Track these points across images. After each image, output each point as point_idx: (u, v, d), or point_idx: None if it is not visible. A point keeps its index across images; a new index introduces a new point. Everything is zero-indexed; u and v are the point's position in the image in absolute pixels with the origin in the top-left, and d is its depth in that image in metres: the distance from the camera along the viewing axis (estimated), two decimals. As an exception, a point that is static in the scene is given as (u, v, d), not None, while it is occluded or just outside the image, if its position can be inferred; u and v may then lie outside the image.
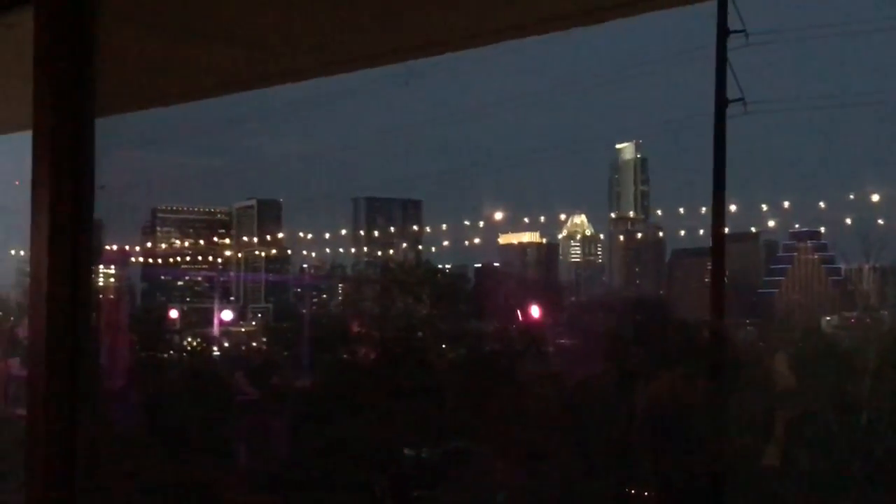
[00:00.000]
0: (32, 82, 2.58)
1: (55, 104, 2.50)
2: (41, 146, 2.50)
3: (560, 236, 49.08)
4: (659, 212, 54.51)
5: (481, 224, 35.59)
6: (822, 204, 31.69)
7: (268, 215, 45.62)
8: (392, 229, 39.09)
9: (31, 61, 2.65)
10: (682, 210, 38.92)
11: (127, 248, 34.35)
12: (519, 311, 28.04)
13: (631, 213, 56.23)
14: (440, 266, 35.21)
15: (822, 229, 45.30)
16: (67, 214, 2.53)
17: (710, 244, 18.05)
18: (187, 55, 3.41)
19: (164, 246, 42.59)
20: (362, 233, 38.57)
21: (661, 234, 49.44)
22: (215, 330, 32.02)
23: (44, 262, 2.46)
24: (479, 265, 37.78)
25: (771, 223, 38.60)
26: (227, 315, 34.89)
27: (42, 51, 2.53)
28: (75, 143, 2.53)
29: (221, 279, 40.82)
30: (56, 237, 2.49)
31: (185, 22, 3.13)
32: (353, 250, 37.29)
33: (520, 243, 44.63)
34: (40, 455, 2.38)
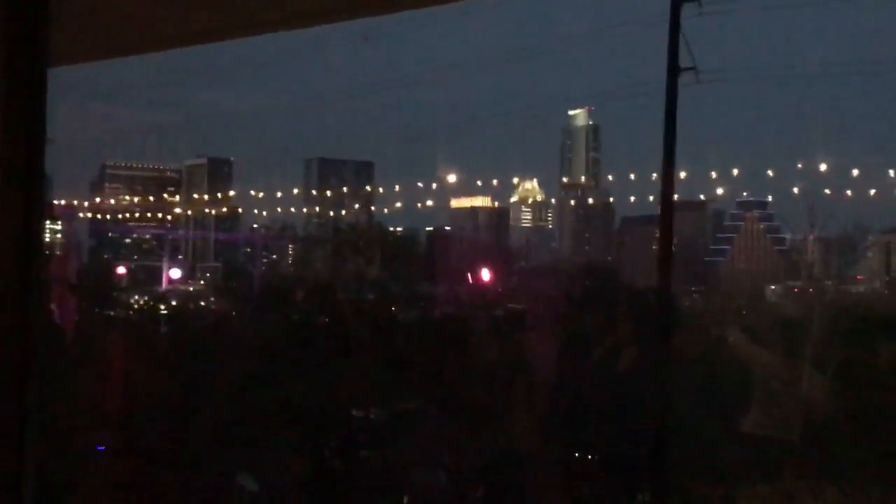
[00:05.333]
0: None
1: (7, 53, 2.41)
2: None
3: (511, 201, 49.10)
4: (610, 177, 54.66)
5: (433, 187, 35.42)
6: (769, 172, 31.91)
7: (219, 173, 45.15)
8: (344, 190, 38.96)
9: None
10: (632, 177, 39.04)
11: (74, 202, 33.83)
12: (469, 275, 28.14)
13: (582, 180, 56.42)
14: (392, 228, 35.17)
15: (770, 198, 45.81)
16: (19, 166, 2.44)
17: (659, 212, 18.18)
18: (145, 5, 3.31)
19: (112, 202, 42.04)
20: (314, 193, 38.39)
21: (611, 200, 49.70)
22: (163, 287, 31.70)
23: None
24: (431, 228, 37.65)
25: (719, 191, 38.83)
26: (176, 273, 34.57)
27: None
28: (28, 93, 2.44)
29: (170, 237, 40.41)
30: (7, 190, 2.40)
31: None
32: (304, 210, 37.12)
33: (471, 207, 44.67)
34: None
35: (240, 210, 38.45)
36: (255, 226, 38.71)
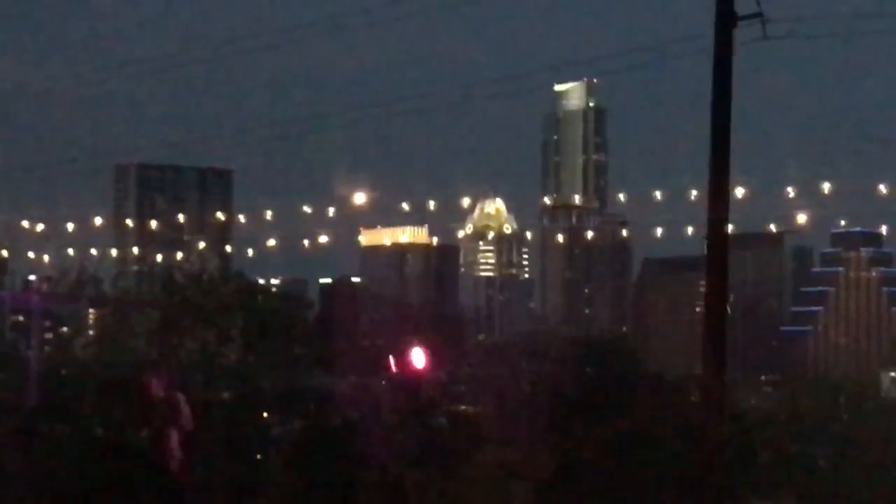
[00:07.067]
0: None
1: None
2: None
3: (461, 235, 48.23)
4: (622, 196, 54.31)
5: (331, 212, 34.65)
6: (882, 188, 31.58)
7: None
8: (181, 219, 38.47)
9: None
10: (658, 195, 38.72)
11: None
12: (393, 359, 27.65)
13: (577, 199, 55.75)
14: (262, 281, 34.59)
15: (884, 230, 45.99)
16: None
17: (705, 250, 17.91)
18: None
19: None
20: (130, 224, 37.89)
21: (625, 233, 49.38)
22: None
23: None
24: (328, 280, 36.81)
25: (802, 218, 38.52)
26: None
27: None
28: None
29: None
30: None
31: None
32: (114, 253, 36.50)
33: (395, 245, 43.83)
34: None
35: (4, 252, 37.61)
36: (31, 278, 37.87)
